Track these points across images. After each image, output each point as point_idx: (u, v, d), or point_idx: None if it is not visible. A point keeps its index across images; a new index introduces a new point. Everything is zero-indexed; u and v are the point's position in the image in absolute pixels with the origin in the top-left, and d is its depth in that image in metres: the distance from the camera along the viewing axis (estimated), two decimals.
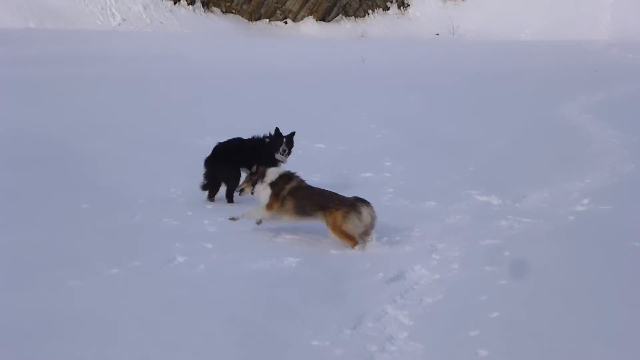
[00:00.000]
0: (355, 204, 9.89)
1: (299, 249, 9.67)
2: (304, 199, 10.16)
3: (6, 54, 34.62)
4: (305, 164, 14.30)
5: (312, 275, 8.89)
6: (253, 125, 17.31)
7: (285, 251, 9.59)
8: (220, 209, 11.45)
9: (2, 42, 39.55)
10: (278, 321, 7.71)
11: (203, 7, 59.42)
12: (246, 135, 12.28)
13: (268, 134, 12.16)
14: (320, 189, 10.36)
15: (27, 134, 16.68)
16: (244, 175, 11.47)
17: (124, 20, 55.80)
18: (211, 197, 11.96)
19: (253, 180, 10.48)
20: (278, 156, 12.05)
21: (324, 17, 61.70)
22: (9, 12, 52.57)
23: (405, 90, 26.23)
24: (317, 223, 10.03)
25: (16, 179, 12.92)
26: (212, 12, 59.53)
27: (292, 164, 12.05)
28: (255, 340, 7.28)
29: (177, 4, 58.38)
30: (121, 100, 22.10)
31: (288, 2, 61.37)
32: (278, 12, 61.34)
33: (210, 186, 11.96)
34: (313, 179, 13.19)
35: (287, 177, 10.46)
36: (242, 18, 60.44)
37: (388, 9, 63.63)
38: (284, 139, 12.09)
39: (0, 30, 47.06)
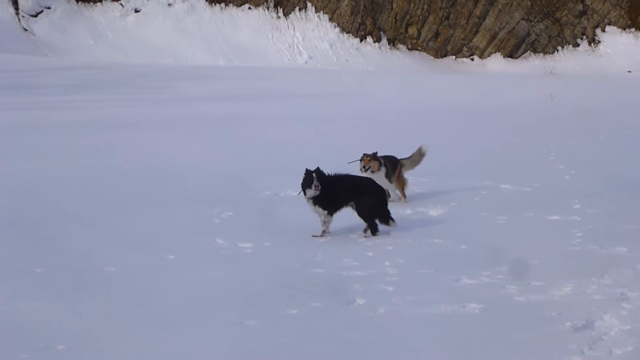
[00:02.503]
0: None
1: (482, 295, 9.35)
2: None
3: (196, 89, 35.61)
4: (490, 204, 14.04)
5: (496, 323, 8.54)
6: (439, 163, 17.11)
7: (467, 296, 9.29)
8: (401, 251, 11.27)
9: (193, 78, 40.80)
10: None
11: (389, 44, 59.74)
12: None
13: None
14: None
15: (213, 169, 16.91)
16: None
17: (311, 58, 56.65)
18: None
19: None
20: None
21: (512, 54, 61.00)
22: (200, 49, 54.25)
23: (596, 128, 25.46)
24: None
25: (204, 213, 13.07)
26: (397, 49, 59.77)
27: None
28: None
29: (363, 42, 58.88)
30: (304, 136, 22.21)
31: (475, 39, 61.00)
32: (465, 49, 61.03)
33: None
34: (498, 221, 12.94)
35: None
36: (428, 55, 60.43)
37: (578, 45, 62.33)
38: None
39: (191, 67, 48.62)
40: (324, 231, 12.03)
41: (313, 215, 12.19)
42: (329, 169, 12.12)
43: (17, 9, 53.43)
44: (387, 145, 16.20)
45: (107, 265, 10.23)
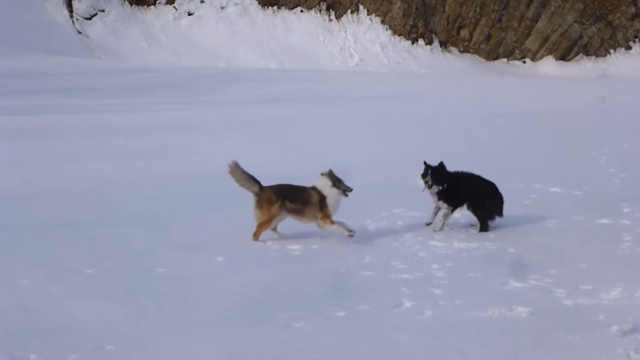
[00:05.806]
0: None
1: (530, 298, 9.36)
2: None
3: (248, 92, 35.74)
4: (540, 208, 13.98)
5: (543, 326, 8.56)
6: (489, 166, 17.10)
7: (516, 299, 9.30)
8: (449, 254, 11.29)
9: (245, 81, 40.95)
10: None
11: (440, 46, 59.60)
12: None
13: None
14: None
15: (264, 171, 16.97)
16: None
17: (362, 60, 56.67)
18: None
19: None
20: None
21: (564, 57, 60.58)
22: (252, 52, 54.49)
23: None
24: None
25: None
26: (449, 51, 59.63)
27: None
28: None
29: (414, 44, 58.79)
30: (356, 139, 22.22)
31: (527, 42, 60.67)
32: (517, 51, 60.74)
33: None
34: (547, 225, 12.89)
35: None
36: (480, 57, 60.20)
37: (630, 48, 61.75)
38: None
39: (243, 70, 48.81)
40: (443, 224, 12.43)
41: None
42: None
43: (71, 12, 54.07)
44: (441, 149, 16.19)
45: (158, 266, 10.35)
